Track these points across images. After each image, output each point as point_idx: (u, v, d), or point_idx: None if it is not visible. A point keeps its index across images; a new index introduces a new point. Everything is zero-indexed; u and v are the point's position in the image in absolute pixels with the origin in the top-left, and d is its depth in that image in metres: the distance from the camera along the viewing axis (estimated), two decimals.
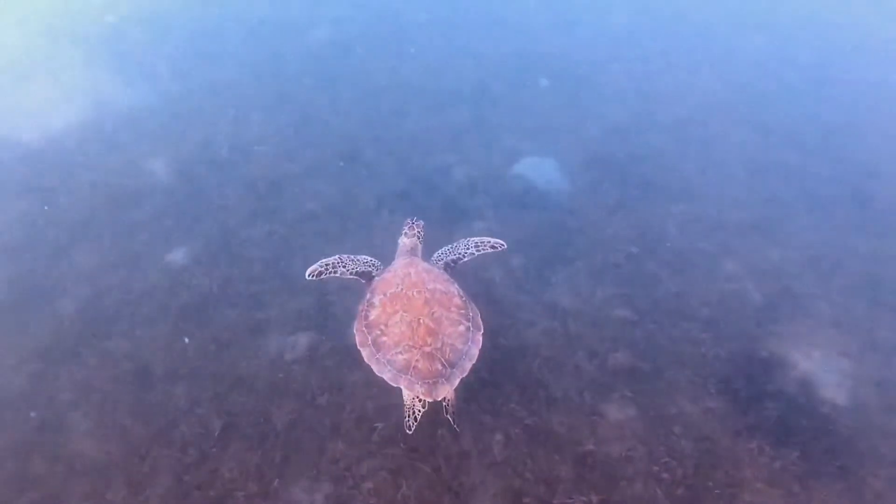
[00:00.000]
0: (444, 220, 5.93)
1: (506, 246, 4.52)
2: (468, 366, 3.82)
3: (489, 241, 4.53)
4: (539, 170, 6.61)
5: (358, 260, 4.39)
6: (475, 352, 3.87)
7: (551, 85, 8.73)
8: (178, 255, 5.60)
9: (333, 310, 5.04)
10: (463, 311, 3.98)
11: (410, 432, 3.84)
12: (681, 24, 11.10)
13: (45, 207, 6.18)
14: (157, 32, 10.27)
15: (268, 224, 5.93)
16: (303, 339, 4.81)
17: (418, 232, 4.60)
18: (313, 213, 6.08)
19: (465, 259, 4.50)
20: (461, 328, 3.88)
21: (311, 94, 8.31)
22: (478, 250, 4.52)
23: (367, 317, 3.96)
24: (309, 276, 4.28)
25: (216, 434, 4.14)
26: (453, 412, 3.91)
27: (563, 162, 6.82)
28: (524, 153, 6.96)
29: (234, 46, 9.78)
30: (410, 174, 6.68)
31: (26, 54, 9.42)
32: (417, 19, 10.68)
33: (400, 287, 3.97)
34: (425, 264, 4.35)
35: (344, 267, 4.34)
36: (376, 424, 4.18)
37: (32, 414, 4.31)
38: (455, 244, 4.56)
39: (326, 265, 4.33)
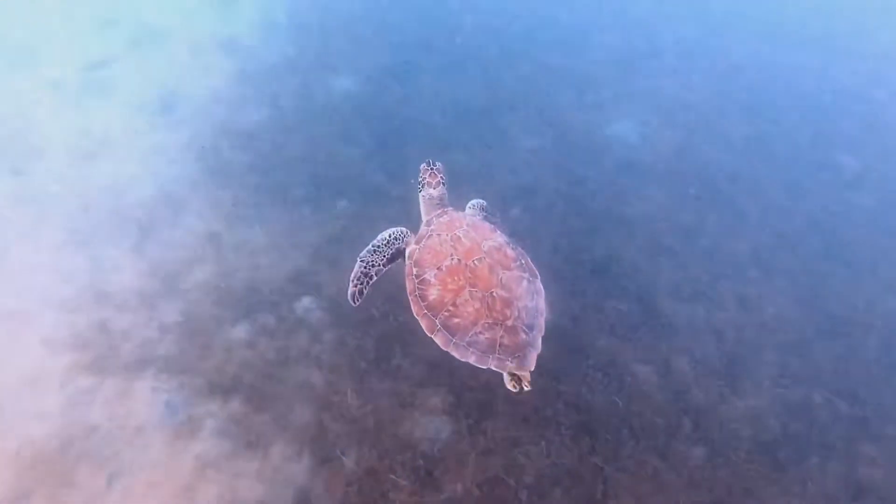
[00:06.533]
0: None
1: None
2: (543, 321, 3.71)
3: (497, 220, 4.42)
4: None
5: (382, 247, 4.03)
6: (543, 304, 3.79)
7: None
8: None
9: None
10: (517, 262, 3.81)
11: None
12: None
13: None
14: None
15: None
16: None
17: (441, 178, 4.23)
18: None
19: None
20: (525, 284, 3.73)
21: None
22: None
23: (425, 297, 3.67)
24: (354, 301, 3.95)
25: None
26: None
27: None
28: None
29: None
30: None
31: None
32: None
33: (455, 257, 3.70)
34: (465, 216, 4.07)
35: (375, 267, 4.00)
36: None
37: None
38: (484, 206, 4.45)
39: (360, 281, 3.96)
